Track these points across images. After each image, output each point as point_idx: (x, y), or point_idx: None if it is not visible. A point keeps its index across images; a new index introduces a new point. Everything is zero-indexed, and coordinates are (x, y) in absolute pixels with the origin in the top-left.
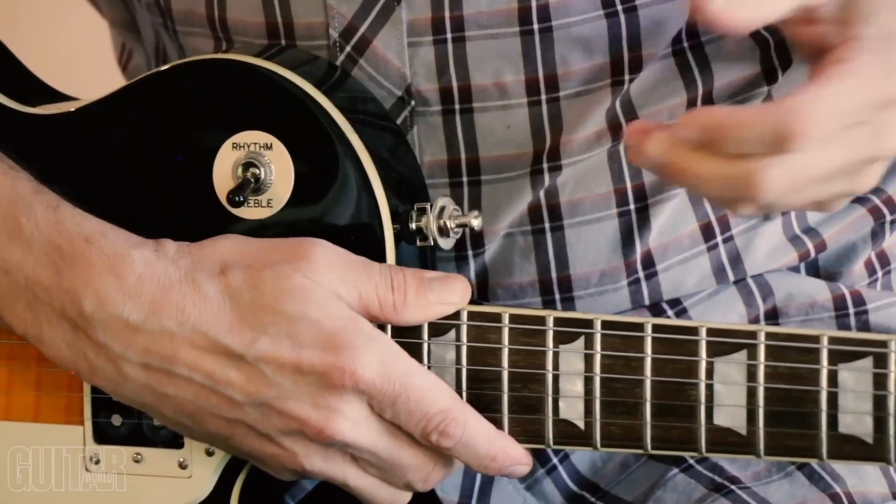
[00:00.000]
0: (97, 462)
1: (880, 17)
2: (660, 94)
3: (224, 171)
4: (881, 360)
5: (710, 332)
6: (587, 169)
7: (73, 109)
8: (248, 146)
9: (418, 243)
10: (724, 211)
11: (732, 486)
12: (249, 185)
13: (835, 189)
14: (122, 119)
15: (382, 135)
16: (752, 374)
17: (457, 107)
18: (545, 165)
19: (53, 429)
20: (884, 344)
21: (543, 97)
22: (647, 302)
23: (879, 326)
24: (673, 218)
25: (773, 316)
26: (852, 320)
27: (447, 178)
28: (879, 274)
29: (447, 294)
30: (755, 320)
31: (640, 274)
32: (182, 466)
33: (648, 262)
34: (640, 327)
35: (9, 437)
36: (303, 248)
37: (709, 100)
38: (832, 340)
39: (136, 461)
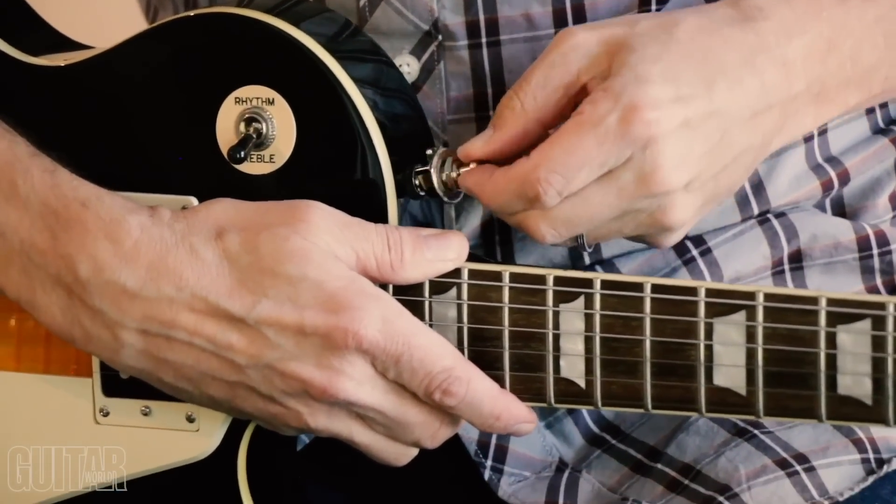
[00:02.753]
0: (106, 414)
1: (638, 68)
2: None
3: (227, 125)
4: (879, 322)
5: (709, 292)
6: None
7: (77, 60)
8: (251, 100)
9: (423, 196)
10: None
11: (755, 431)
12: (251, 141)
13: (628, 228)
14: (126, 71)
15: (387, 90)
16: (751, 335)
17: (483, 40)
18: None
19: (63, 381)
20: (882, 306)
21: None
22: None
23: None
24: None
25: (797, 258)
26: (876, 261)
27: (474, 113)
28: None
29: (444, 251)
30: (779, 262)
31: None
32: (190, 420)
33: None
34: (639, 287)
35: (19, 388)
36: (299, 210)
37: None
38: (830, 302)
39: (145, 414)
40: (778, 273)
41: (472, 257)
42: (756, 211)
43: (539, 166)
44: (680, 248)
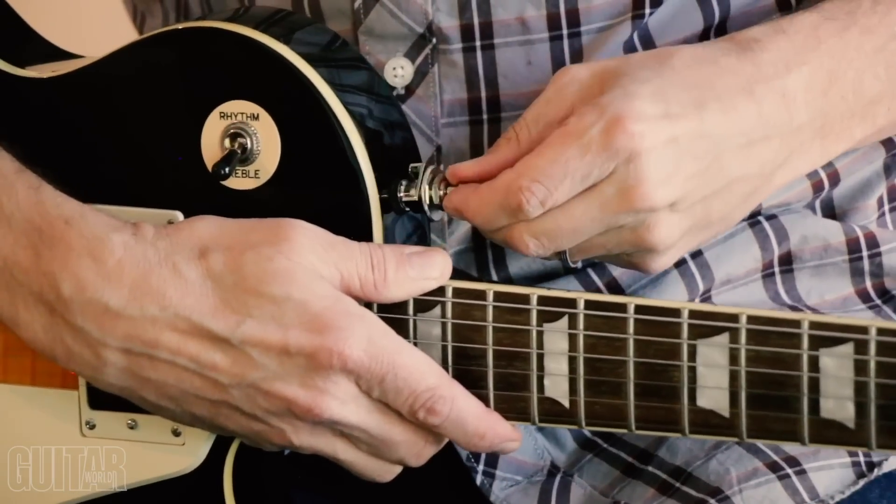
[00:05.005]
0: (93, 427)
1: (628, 87)
2: (678, 26)
3: (212, 140)
4: (862, 347)
5: (693, 314)
6: None
7: (63, 73)
8: (236, 115)
9: (409, 212)
10: None
11: None
12: (236, 156)
13: (611, 244)
14: (111, 84)
15: (373, 106)
16: (734, 358)
17: (478, 44)
18: None
19: (49, 393)
20: (864, 330)
21: (565, 32)
22: None
23: (893, 269)
24: None
25: (787, 260)
26: (866, 263)
27: (467, 117)
28: (887, 207)
29: (427, 269)
30: (769, 264)
31: None
32: (175, 434)
33: None
34: (622, 308)
35: (5, 400)
36: (283, 229)
37: (723, 30)
38: (813, 325)
39: (131, 427)
40: (768, 275)
41: (458, 275)
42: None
43: (522, 175)
44: None
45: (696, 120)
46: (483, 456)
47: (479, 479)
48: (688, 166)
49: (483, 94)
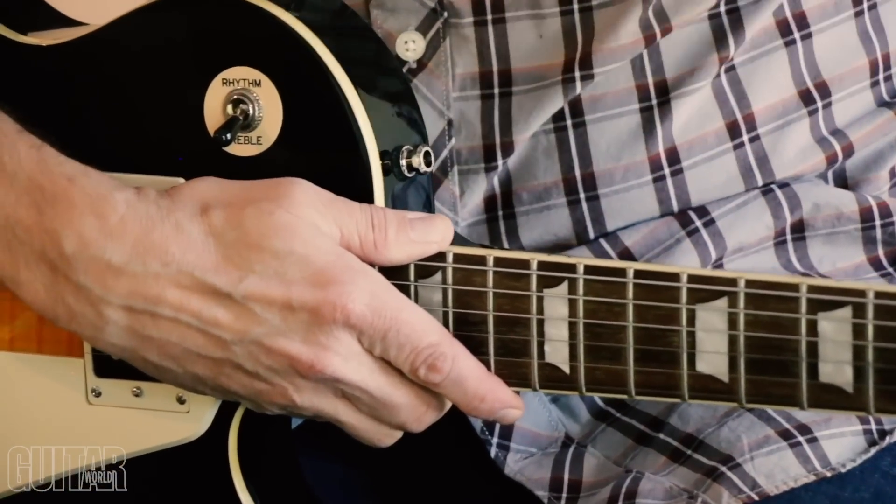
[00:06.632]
0: (98, 395)
1: None
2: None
3: (214, 106)
4: (860, 310)
5: (691, 278)
6: None
7: (67, 40)
8: (238, 82)
9: (409, 177)
10: (751, 109)
11: None
12: (237, 123)
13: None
14: (112, 52)
15: (375, 71)
16: (732, 322)
17: (489, 17)
18: (577, 74)
19: (55, 361)
20: (862, 293)
21: (576, 6)
22: (674, 205)
23: None
24: (698, 115)
25: (799, 228)
26: (878, 232)
27: (479, 91)
28: None
29: (428, 233)
30: (781, 232)
31: (666, 171)
32: (180, 401)
33: (674, 158)
34: (622, 272)
35: (12, 368)
36: (282, 186)
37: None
38: (811, 289)
39: (136, 395)
40: (780, 243)
41: (459, 240)
42: (760, 183)
43: None
44: (684, 220)
45: None
46: (497, 429)
47: (493, 451)
48: None
49: (495, 67)
